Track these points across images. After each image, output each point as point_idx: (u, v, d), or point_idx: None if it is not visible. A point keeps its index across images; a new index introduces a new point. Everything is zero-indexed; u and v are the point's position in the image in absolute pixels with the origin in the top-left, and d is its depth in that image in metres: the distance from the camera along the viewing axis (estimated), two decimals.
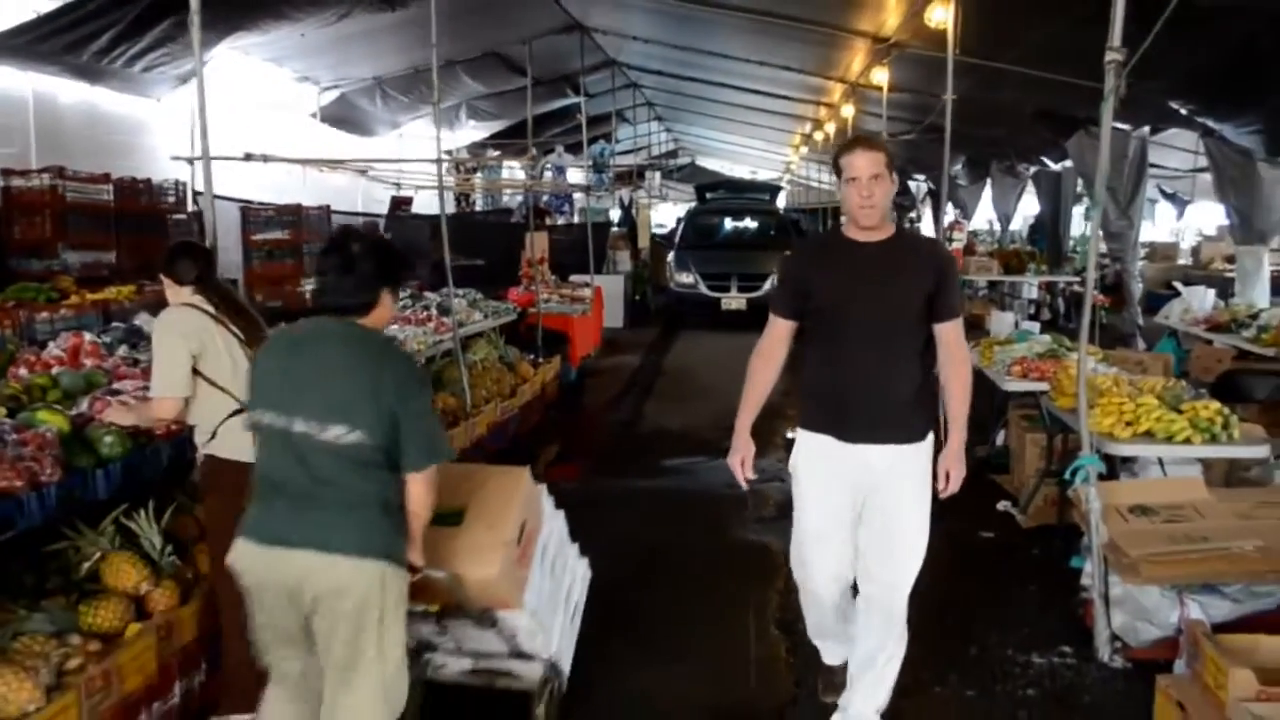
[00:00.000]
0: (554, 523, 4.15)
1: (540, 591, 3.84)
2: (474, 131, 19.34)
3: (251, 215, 8.92)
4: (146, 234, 8.80)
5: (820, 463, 3.68)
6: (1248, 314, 9.43)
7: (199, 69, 5.22)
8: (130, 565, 3.78)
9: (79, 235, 7.86)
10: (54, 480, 3.62)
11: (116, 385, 4.57)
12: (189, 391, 3.85)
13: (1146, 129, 11.51)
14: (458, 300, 9.18)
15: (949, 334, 3.65)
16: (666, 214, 36.21)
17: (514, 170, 22.37)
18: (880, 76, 10.49)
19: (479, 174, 18.48)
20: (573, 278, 14.67)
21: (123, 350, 5.19)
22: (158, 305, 6.87)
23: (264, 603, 3.09)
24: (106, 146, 10.45)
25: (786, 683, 4.44)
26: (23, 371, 4.79)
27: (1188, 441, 4.95)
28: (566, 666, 4.01)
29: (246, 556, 3.05)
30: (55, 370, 4.72)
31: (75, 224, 7.82)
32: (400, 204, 16.21)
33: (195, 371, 3.85)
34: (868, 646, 3.74)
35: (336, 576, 2.95)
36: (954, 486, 3.58)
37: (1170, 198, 19.90)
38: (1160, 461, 5.17)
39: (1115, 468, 5.25)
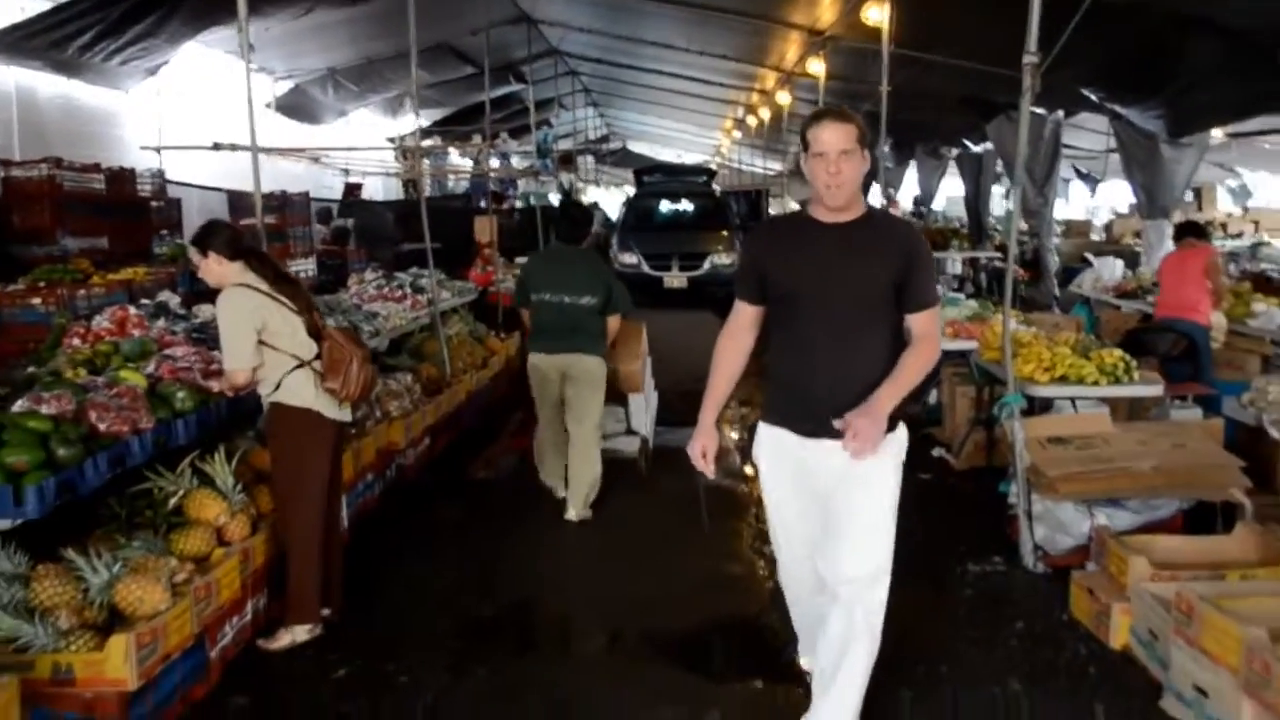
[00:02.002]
0: (648, 356, 7.79)
1: (647, 391, 7.68)
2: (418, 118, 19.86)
3: (239, 202, 9.41)
4: (132, 220, 9.26)
5: (782, 458, 3.50)
6: (1152, 281, 10.38)
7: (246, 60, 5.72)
8: (212, 500, 4.41)
9: (75, 222, 8.31)
10: (149, 427, 4.24)
11: (167, 352, 5.15)
12: (257, 361, 4.46)
13: (1061, 113, 12.45)
14: (428, 279, 9.78)
15: (920, 326, 3.37)
16: (595, 198, 36.66)
17: (454, 156, 22.88)
18: (816, 67, 11.23)
19: (427, 160, 18.97)
20: (518, 259, 15.26)
21: (161, 322, 5.76)
22: (168, 285, 7.45)
23: (545, 382, 6.25)
24: (82, 136, 10.87)
25: (763, 591, 5.17)
26: (76, 341, 5.36)
27: (1096, 383, 5.83)
28: (651, 443, 7.55)
29: (539, 360, 6.20)
30: (110, 340, 5.29)
31: (72, 211, 8.27)
32: (352, 190, 16.67)
33: (260, 342, 4.47)
34: (834, 650, 3.41)
35: (585, 364, 6.14)
36: (858, 445, 3.13)
37: (1084, 177, 21.03)
38: (1073, 401, 6.03)
39: (1035, 409, 6.08)
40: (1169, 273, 8.39)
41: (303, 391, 4.46)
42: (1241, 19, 7.42)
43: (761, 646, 4.48)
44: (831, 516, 3.42)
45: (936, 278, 3.41)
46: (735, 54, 16.02)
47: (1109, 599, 4.48)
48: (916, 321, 3.37)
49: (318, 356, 4.54)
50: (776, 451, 3.50)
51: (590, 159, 29.86)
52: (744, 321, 3.54)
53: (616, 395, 7.17)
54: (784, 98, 15.87)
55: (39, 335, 5.83)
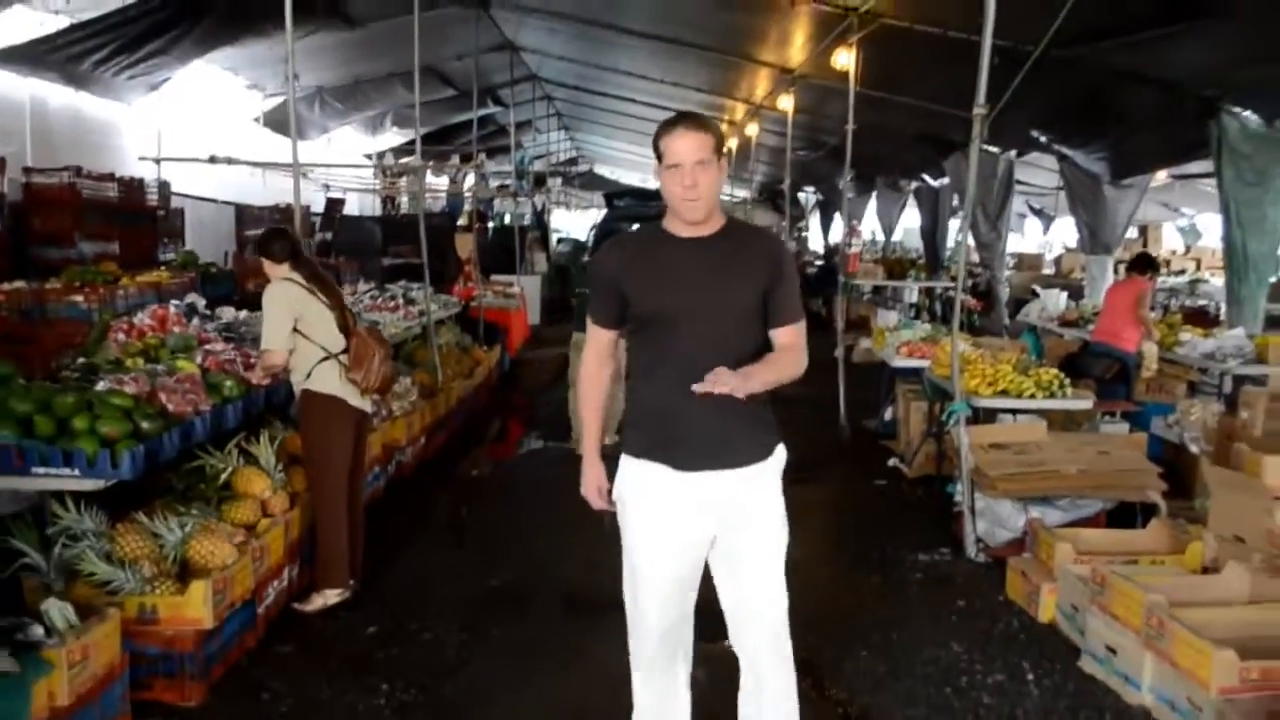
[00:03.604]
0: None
1: None
2: (396, 137, 20.44)
3: (245, 213, 9.95)
4: (140, 226, 9.79)
5: (651, 496, 3.12)
6: (1092, 312, 11.18)
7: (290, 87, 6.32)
8: (258, 476, 5.00)
9: (91, 227, 8.84)
10: (207, 410, 4.82)
11: (208, 347, 5.71)
12: (291, 345, 5.07)
13: (1013, 152, 13.24)
14: (418, 291, 10.38)
15: (786, 339, 3.12)
16: (562, 220, 37.20)
17: (429, 175, 23.45)
18: (786, 103, 11.94)
19: (404, 178, 19.56)
20: (494, 277, 15.87)
21: (195, 321, 6.32)
22: (191, 288, 7.99)
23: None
24: (86, 146, 11.34)
25: None
26: (120, 336, 5.90)
27: (1033, 396, 6.56)
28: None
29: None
30: (150, 336, 5.85)
31: (88, 218, 8.79)
32: (335, 205, 17.20)
33: (295, 330, 5.08)
34: (767, 696, 3.27)
35: None
36: (713, 380, 2.80)
37: (1037, 213, 21.97)
38: (1013, 414, 6.75)
39: (979, 419, 6.78)
40: (1106, 302, 9.22)
41: (330, 380, 5.07)
42: (1172, 72, 8.20)
43: None
44: (725, 555, 3.17)
45: (799, 292, 3.15)
46: (707, 86, 16.72)
47: (1039, 580, 5.17)
48: (782, 335, 3.11)
49: (344, 351, 5.16)
50: (645, 488, 3.13)
51: (559, 181, 30.51)
52: (602, 350, 3.30)
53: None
54: (753, 129, 16.58)
55: (80, 330, 6.37)
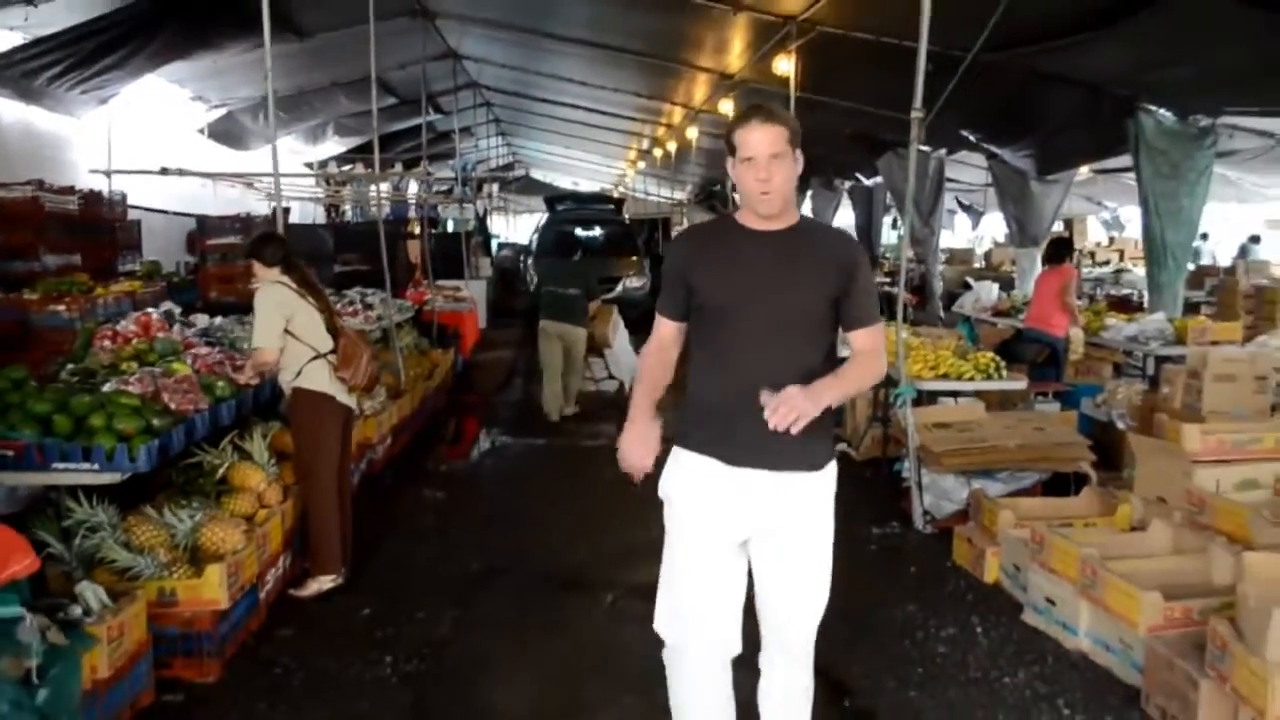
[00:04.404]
0: (621, 324, 11.09)
1: (620, 346, 11.00)
2: (335, 145, 20.57)
3: (208, 224, 10.13)
4: (100, 239, 9.93)
5: (701, 489, 3.07)
6: (1023, 302, 11.75)
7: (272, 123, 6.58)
8: (253, 470, 5.28)
9: (54, 240, 8.97)
10: (205, 408, 5.09)
11: (193, 351, 5.97)
12: (281, 344, 5.35)
13: (944, 151, 13.81)
14: (373, 296, 10.63)
15: (862, 342, 3.07)
16: (499, 225, 37.33)
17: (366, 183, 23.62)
18: (727, 107, 12.38)
19: (347, 187, 19.70)
20: (439, 282, 16.12)
21: (177, 328, 6.57)
22: (162, 297, 8.18)
23: (549, 339, 10.11)
24: (40, 160, 11.44)
25: None
26: (106, 343, 6.14)
27: (972, 379, 7.02)
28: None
29: (546, 325, 9.91)
30: (138, 341, 6.09)
31: (51, 231, 8.93)
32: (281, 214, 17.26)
33: (286, 331, 5.37)
34: (785, 703, 3.30)
35: (577, 332, 10.20)
36: (785, 411, 2.73)
37: (966, 209, 22.66)
38: (954, 396, 7.21)
39: (923, 401, 7.23)
40: (1035, 290, 9.77)
41: (319, 378, 5.36)
42: (1092, 74, 8.75)
43: None
44: (762, 565, 3.14)
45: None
46: (646, 91, 17.11)
47: (983, 545, 5.62)
48: (858, 339, 3.07)
49: (332, 351, 5.45)
50: (696, 481, 3.08)
51: (495, 186, 30.76)
52: (665, 340, 3.21)
53: (596, 350, 11.01)
54: (693, 132, 17.01)
55: (65, 338, 6.58)
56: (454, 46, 15.83)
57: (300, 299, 5.42)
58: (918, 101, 6.15)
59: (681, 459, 3.12)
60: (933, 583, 5.62)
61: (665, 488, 3.15)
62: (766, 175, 2.92)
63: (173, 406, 4.84)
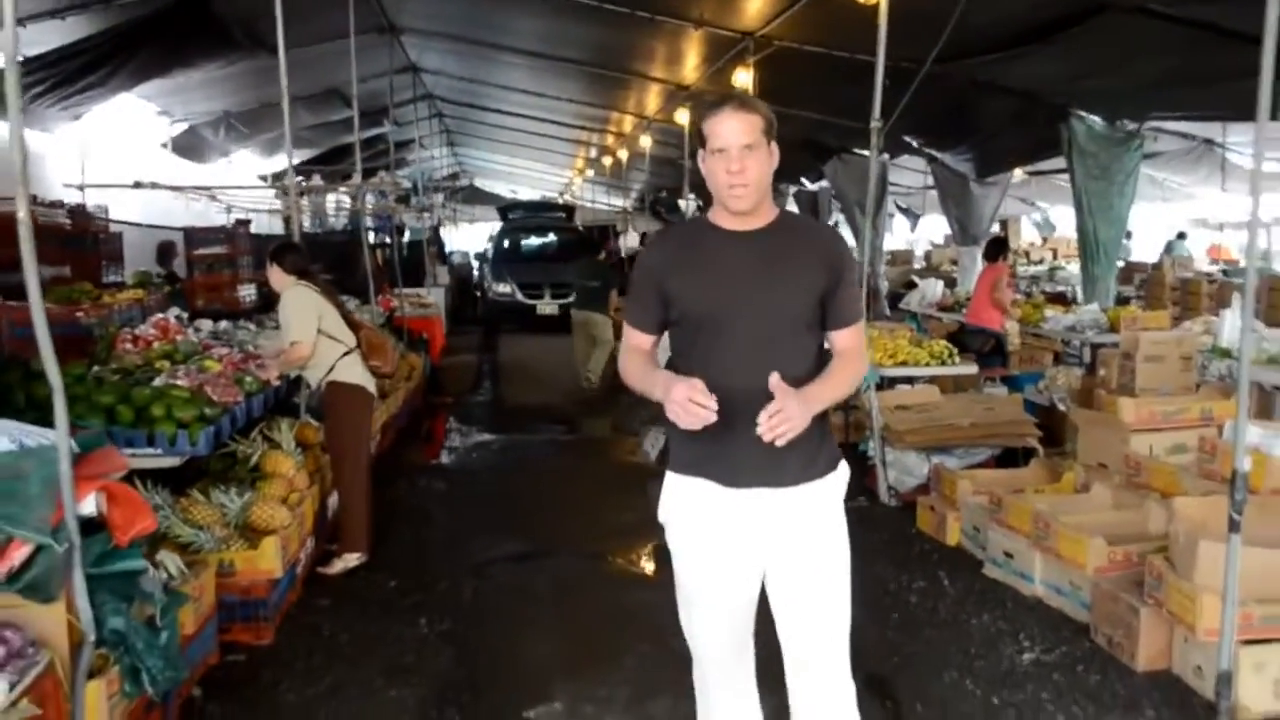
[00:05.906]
0: None
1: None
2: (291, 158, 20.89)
3: (195, 235, 10.49)
4: (86, 251, 10.24)
5: (701, 515, 2.86)
6: (966, 298, 12.46)
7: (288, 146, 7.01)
8: (285, 458, 5.75)
9: (46, 253, 9.27)
10: (240, 402, 5.56)
11: (212, 351, 6.41)
12: (315, 338, 5.82)
13: (886, 155, 14.47)
14: (351, 303, 11.06)
15: (845, 342, 2.89)
16: (447, 234, 37.45)
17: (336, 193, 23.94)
18: (683, 116, 12.96)
19: (304, 198, 20.01)
20: (402, 290, 16.53)
21: (192, 330, 6.99)
22: (166, 304, 8.58)
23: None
24: (11, 175, 11.72)
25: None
26: (128, 345, 6.54)
27: (928, 365, 7.67)
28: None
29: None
30: (160, 343, 6.51)
31: (44, 243, 9.23)
32: (241, 225, 17.59)
33: (318, 330, 5.84)
34: None
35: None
36: (777, 421, 2.53)
37: (905, 212, 23.48)
38: (910, 381, 7.85)
39: (884, 386, 7.85)
40: (975, 286, 10.49)
41: (353, 372, 5.86)
42: (1028, 83, 9.45)
43: None
44: (779, 585, 2.90)
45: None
46: (598, 101, 17.66)
47: (944, 511, 6.25)
48: (842, 338, 2.89)
49: (356, 345, 5.94)
50: (694, 507, 2.87)
51: (441, 196, 31.15)
52: (637, 352, 2.95)
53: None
54: (646, 141, 17.54)
55: (82, 344, 6.95)
56: (414, 60, 16.28)
57: (324, 300, 5.91)
58: (877, 112, 6.77)
59: (675, 485, 2.91)
60: (901, 547, 6.24)
61: (663, 513, 2.95)
62: (739, 168, 2.69)
63: (216, 398, 5.30)
